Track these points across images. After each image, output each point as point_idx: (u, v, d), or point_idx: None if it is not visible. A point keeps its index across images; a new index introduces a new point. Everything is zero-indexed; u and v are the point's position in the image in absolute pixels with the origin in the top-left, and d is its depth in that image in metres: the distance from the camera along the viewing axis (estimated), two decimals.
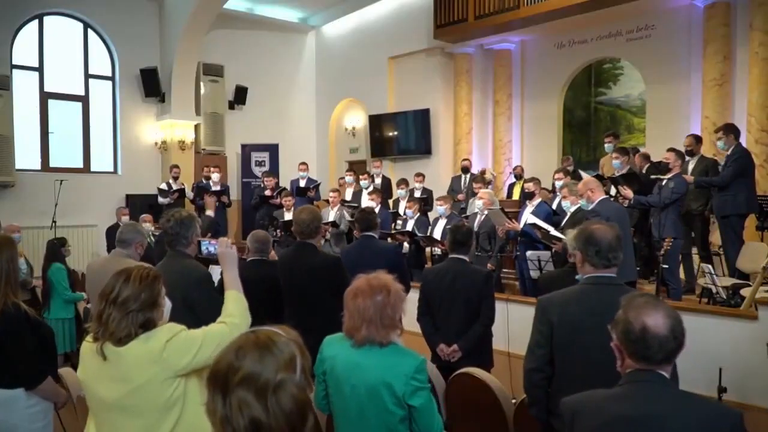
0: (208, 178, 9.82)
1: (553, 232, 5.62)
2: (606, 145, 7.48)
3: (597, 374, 2.32)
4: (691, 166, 6.40)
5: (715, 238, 6.74)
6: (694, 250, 6.58)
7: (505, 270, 7.13)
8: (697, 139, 6.62)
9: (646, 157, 7.25)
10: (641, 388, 1.68)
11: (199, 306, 2.91)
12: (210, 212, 8.65)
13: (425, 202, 8.41)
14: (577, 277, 2.61)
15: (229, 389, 1.18)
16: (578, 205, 5.43)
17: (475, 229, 6.60)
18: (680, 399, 1.67)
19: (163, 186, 9.82)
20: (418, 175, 8.97)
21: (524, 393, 2.74)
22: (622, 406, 1.67)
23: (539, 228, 5.87)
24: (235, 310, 2.28)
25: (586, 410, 1.73)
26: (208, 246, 2.67)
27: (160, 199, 9.69)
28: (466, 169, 9.20)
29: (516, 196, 8.82)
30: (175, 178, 9.91)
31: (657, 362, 1.68)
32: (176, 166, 10.10)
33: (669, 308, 1.72)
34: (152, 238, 6.98)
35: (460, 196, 8.60)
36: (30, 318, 2.77)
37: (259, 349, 1.20)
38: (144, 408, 2.03)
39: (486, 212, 6.55)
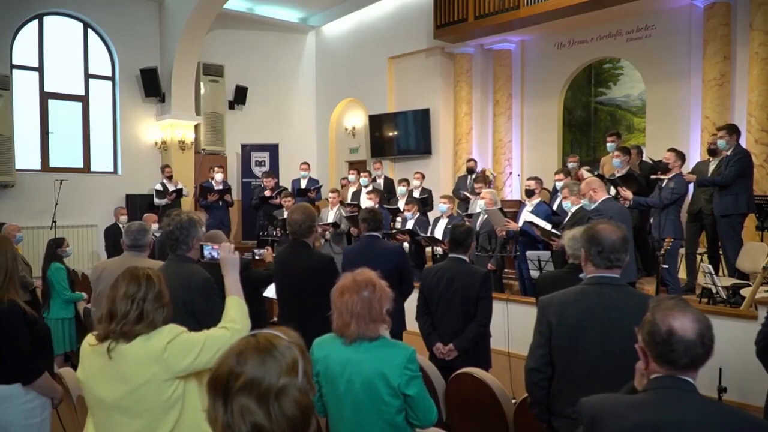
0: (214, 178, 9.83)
1: (551, 229, 5.61)
2: (608, 144, 7.45)
3: (597, 375, 2.32)
4: (712, 166, 6.33)
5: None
6: (701, 249, 6.56)
7: (504, 270, 7.12)
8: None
9: (640, 152, 7.23)
10: (665, 395, 1.61)
11: (199, 311, 2.88)
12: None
13: (425, 203, 8.39)
14: (581, 275, 2.60)
15: (231, 395, 1.15)
16: (579, 205, 5.43)
17: (477, 228, 6.61)
18: (706, 407, 1.60)
19: (158, 187, 9.80)
20: (418, 173, 8.97)
21: (526, 392, 2.73)
22: (645, 412, 1.60)
23: (537, 226, 5.86)
24: (237, 315, 2.29)
25: (607, 415, 1.67)
26: (211, 251, 2.68)
27: (157, 201, 9.67)
28: (471, 170, 9.18)
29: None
30: (169, 178, 9.89)
31: (681, 367, 1.62)
32: (167, 166, 10.08)
33: (698, 313, 1.65)
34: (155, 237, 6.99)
35: (468, 194, 8.55)
36: (27, 315, 2.79)
37: (260, 353, 1.18)
38: (143, 408, 2.04)
39: (485, 212, 6.55)
